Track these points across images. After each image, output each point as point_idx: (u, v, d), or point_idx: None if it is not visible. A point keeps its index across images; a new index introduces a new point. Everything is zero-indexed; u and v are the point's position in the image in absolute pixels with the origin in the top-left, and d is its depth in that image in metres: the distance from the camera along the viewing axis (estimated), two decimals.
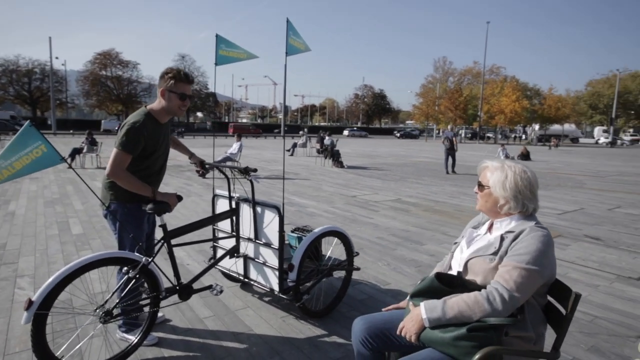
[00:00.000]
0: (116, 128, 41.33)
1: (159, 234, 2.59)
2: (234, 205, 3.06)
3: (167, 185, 9.45)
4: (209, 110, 74.97)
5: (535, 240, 1.52)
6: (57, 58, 56.70)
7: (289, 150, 21.13)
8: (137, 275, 2.33)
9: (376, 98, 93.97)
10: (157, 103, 2.59)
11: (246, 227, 3.04)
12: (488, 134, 63.09)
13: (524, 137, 57.82)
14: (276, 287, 2.86)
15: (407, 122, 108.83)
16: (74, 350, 2.51)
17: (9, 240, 4.83)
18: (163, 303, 2.56)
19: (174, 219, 6.09)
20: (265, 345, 2.65)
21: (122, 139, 2.40)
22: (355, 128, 72.45)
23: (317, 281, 3.00)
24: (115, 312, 2.29)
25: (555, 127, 60.05)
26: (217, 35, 3.44)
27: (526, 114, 51.15)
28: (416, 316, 1.53)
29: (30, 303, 2.00)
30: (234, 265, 3.19)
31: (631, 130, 68.08)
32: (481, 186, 1.75)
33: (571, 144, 53.36)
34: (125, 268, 2.37)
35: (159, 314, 2.96)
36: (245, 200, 3.02)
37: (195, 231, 2.70)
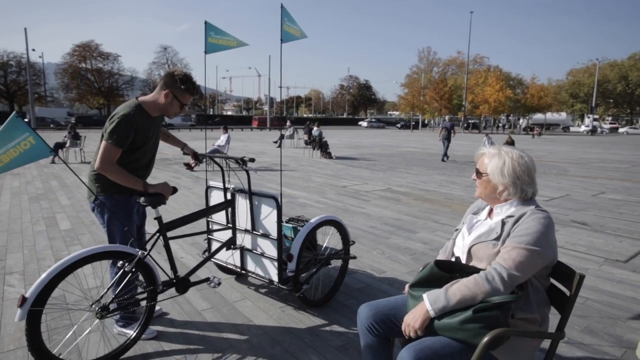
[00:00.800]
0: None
1: (149, 225, 2.55)
2: (229, 197, 3.03)
3: (155, 179, 9.30)
4: (193, 103, 73.86)
5: (535, 222, 1.53)
6: (33, 50, 54.80)
7: (276, 142, 21.00)
8: (133, 269, 2.29)
9: (362, 89, 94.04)
10: (151, 97, 2.52)
11: (242, 219, 3.01)
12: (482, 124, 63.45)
13: (510, 126, 58.45)
14: (275, 278, 2.84)
15: (391, 112, 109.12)
16: (71, 347, 2.47)
17: None
18: (160, 297, 2.53)
19: (164, 212, 6.00)
20: (265, 336, 2.65)
21: (112, 132, 2.33)
22: (373, 120, 72.68)
23: (316, 271, 3.00)
24: (112, 307, 2.25)
25: (547, 116, 61.01)
26: (206, 23, 3.36)
27: (510, 103, 51.80)
28: (420, 310, 1.53)
29: (23, 300, 1.95)
30: (230, 257, 3.16)
31: (609, 118, 69.67)
32: (479, 173, 1.75)
33: (558, 133, 54.23)
34: (121, 262, 2.32)
35: (156, 308, 2.93)
36: (241, 191, 2.99)
37: (190, 223, 2.66)
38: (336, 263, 3.49)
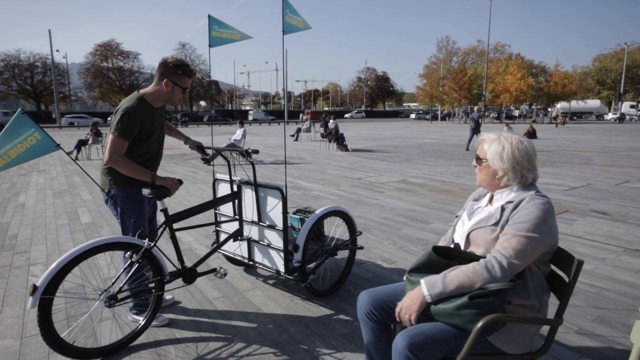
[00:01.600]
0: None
1: (160, 217, 2.62)
2: (235, 189, 3.08)
3: (174, 173, 9.49)
4: (211, 99, 74.77)
5: (535, 208, 1.51)
6: (57, 51, 56.47)
7: (293, 136, 21.08)
8: (140, 260, 2.36)
9: (379, 81, 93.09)
10: (152, 88, 2.58)
11: (249, 210, 3.06)
12: (514, 114, 61.54)
13: (540, 115, 55.98)
14: (282, 269, 2.89)
15: (409, 104, 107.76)
16: (86, 333, 2.58)
17: (20, 231, 4.91)
18: (169, 286, 2.60)
19: (180, 205, 6.14)
20: (273, 324, 2.70)
21: (117, 125, 2.40)
22: (420, 111, 72.54)
23: (321, 261, 3.03)
24: (120, 296, 2.32)
25: (579, 104, 58.45)
26: (209, 17, 3.39)
27: (532, 92, 50.34)
28: (417, 294, 1.54)
29: (35, 288, 2.04)
30: (237, 248, 3.22)
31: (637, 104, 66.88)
32: (479, 159, 1.74)
33: (586, 122, 52.31)
34: (129, 253, 2.40)
35: (169, 297, 3.02)
36: (247, 183, 3.03)
37: (197, 215, 2.72)
38: (344, 253, 3.51)
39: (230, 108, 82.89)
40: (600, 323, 2.69)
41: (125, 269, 2.42)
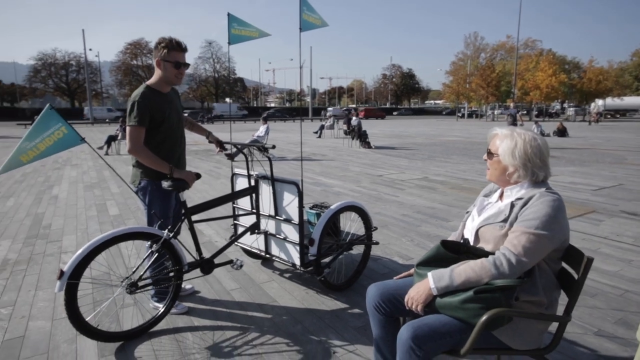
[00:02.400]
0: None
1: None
2: (252, 183, 3.15)
3: (198, 168, 9.73)
4: (237, 96, 75.77)
5: (544, 205, 1.50)
6: (90, 50, 58.51)
7: (316, 132, 21.14)
8: (160, 250, 2.46)
9: (405, 78, 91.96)
10: (154, 76, 2.67)
11: (266, 204, 3.13)
12: (555, 111, 59.08)
13: (573, 113, 53.52)
14: (297, 262, 2.94)
15: (435, 101, 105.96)
16: (110, 317, 2.71)
17: (53, 221, 5.17)
18: (188, 276, 2.70)
19: (202, 199, 6.30)
20: (288, 315, 2.76)
21: (130, 114, 2.52)
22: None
23: (336, 255, 3.07)
24: (141, 283, 2.43)
25: (624, 101, 55.34)
26: (228, 14, 3.46)
27: (564, 89, 48.58)
28: (423, 286, 1.56)
29: (62, 273, 2.18)
30: (255, 242, 3.29)
31: None
32: (490, 154, 1.73)
33: (624, 119, 49.92)
34: (149, 243, 2.50)
35: (189, 286, 3.12)
36: (264, 177, 3.10)
37: (217, 208, 2.80)
38: (360, 248, 3.53)
39: (255, 105, 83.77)
40: (622, 325, 2.62)
41: (145, 258, 2.53)
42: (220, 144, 3.14)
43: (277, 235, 3.07)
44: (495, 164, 1.69)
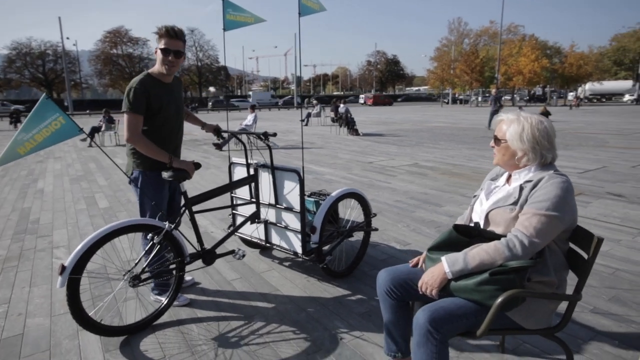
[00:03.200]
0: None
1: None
2: (252, 172, 3.12)
3: (186, 159, 9.59)
4: (220, 84, 74.59)
5: (554, 187, 1.52)
6: (68, 38, 56.69)
7: (303, 120, 21.02)
8: (162, 241, 2.42)
9: (389, 64, 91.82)
10: (155, 64, 2.63)
11: (266, 193, 3.11)
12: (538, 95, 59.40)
13: (553, 98, 54.17)
14: (299, 250, 2.94)
15: (420, 88, 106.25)
16: (112, 312, 2.68)
17: (41, 216, 5.05)
18: (189, 267, 2.67)
19: (194, 190, 6.23)
20: (291, 304, 2.77)
21: (126, 101, 2.47)
22: (487, 95, 71.64)
23: (338, 242, 3.08)
24: (143, 276, 2.39)
25: (609, 85, 55.92)
26: (223, 0, 3.38)
27: (546, 74, 49.23)
28: (438, 271, 1.57)
29: (63, 268, 2.13)
30: (255, 231, 3.27)
31: None
32: (498, 140, 1.74)
33: (604, 104, 50.83)
34: (150, 235, 2.47)
35: (189, 278, 3.10)
36: (264, 166, 3.07)
37: (215, 198, 2.77)
38: (359, 235, 3.55)
39: (239, 93, 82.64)
40: (615, 302, 2.71)
41: (147, 250, 2.49)
42: (218, 132, 3.09)
43: (278, 224, 3.06)
44: (504, 149, 1.70)
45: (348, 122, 15.48)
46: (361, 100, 59.99)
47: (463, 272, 1.52)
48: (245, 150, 3.18)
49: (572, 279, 1.66)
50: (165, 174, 2.44)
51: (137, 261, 2.44)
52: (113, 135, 13.97)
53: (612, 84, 57.16)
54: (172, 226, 2.48)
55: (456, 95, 64.04)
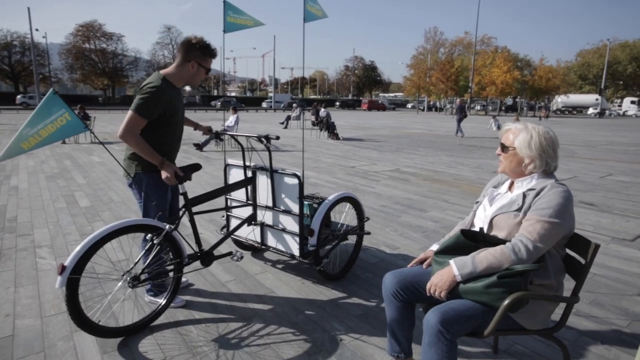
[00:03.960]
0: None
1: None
2: (249, 174, 3.13)
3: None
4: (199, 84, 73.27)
5: (556, 195, 1.63)
6: (37, 30, 54.52)
7: (282, 123, 21.01)
8: (162, 242, 2.41)
9: (367, 70, 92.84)
10: (174, 69, 2.59)
11: (263, 195, 3.12)
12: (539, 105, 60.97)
13: (524, 109, 56.24)
14: (297, 252, 2.97)
15: (395, 94, 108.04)
16: (109, 314, 2.63)
17: (18, 214, 4.87)
18: (186, 269, 2.66)
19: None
20: (288, 305, 2.80)
21: (139, 103, 2.41)
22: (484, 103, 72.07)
23: (334, 245, 3.13)
24: (142, 277, 2.38)
25: (578, 98, 58.37)
26: (224, 2, 3.39)
27: (517, 85, 51.11)
28: (447, 274, 1.64)
29: (63, 268, 2.09)
30: (251, 233, 3.28)
31: (618, 100, 68.33)
32: (505, 148, 1.84)
33: (568, 116, 53.10)
34: (150, 235, 2.45)
35: (183, 279, 3.07)
36: (262, 168, 3.09)
37: (213, 200, 2.76)
38: (351, 239, 3.61)
39: (216, 94, 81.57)
40: (595, 306, 2.87)
41: (146, 251, 2.47)
42: (212, 131, 3.08)
43: (275, 227, 3.08)
44: (511, 156, 1.80)
45: (328, 126, 15.59)
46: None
47: (472, 275, 1.60)
48: (243, 152, 3.20)
49: (567, 282, 1.77)
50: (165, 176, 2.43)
51: (136, 261, 2.41)
52: (88, 133, 13.53)
53: (581, 97, 59.90)
54: (173, 227, 2.47)
55: (431, 103, 65.49)
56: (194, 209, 2.66)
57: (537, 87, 52.57)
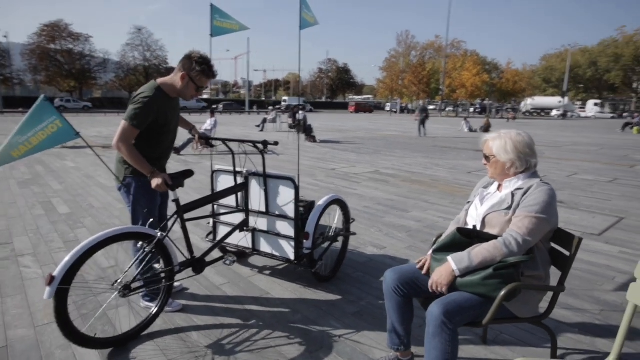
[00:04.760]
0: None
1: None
2: (240, 180, 3.12)
3: None
4: None
5: (542, 193, 1.79)
6: None
7: (258, 126, 20.94)
8: (153, 250, 2.40)
9: (340, 72, 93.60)
10: (170, 79, 2.59)
11: (255, 201, 3.13)
12: (511, 108, 62.52)
13: (492, 111, 58.17)
14: (292, 256, 3.00)
15: (369, 96, 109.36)
16: (104, 323, 2.62)
17: None
18: (178, 276, 2.64)
19: None
20: (284, 306, 2.86)
21: (132, 113, 2.41)
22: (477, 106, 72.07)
23: (327, 247, 3.20)
24: (134, 285, 2.34)
25: (547, 100, 60.53)
26: (211, 5, 3.41)
27: (486, 88, 52.87)
28: (446, 270, 1.77)
29: (52, 278, 2.03)
30: (243, 239, 3.24)
31: (579, 102, 71.72)
32: (487, 157, 1.99)
33: (535, 118, 55.21)
34: (140, 243, 2.44)
35: (177, 284, 3.07)
36: (255, 174, 3.10)
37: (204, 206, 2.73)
38: (339, 240, 3.70)
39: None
40: (571, 296, 3.08)
41: (137, 259, 2.44)
42: (204, 138, 3.05)
43: (268, 232, 3.10)
44: (494, 163, 1.95)
45: (306, 129, 15.68)
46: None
47: (468, 269, 1.73)
48: (233, 157, 3.20)
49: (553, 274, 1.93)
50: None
51: (127, 269, 2.38)
52: None
53: (547, 99, 62.32)
54: (164, 234, 2.46)
55: (403, 105, 66.71)
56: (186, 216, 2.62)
57: (505, 90, 54.52)
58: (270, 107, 25.17)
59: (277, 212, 3.05)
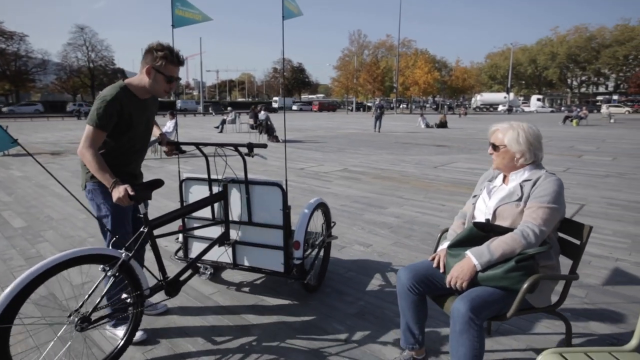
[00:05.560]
0: None
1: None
2: (217, 189, 2.84)
3: None
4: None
5: (551, 184, 1.82)
6: None
7: (217, 127, 20.42)
8: (117, 274, 2.06)
9: (295, 72, 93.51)
10: (137, 78, 2.37)
11: (236, 210, 2.84)
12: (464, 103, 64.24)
13: (444, 107, 60.48)
14: (280, 268, 2.75)
15: (323, 95, 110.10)
16: None
17: None
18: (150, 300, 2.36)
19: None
20: (283, 311, 2.76)
21: (93, 114, 2.20)
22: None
23: (316, 255, 3.02)
24: (94, 316, 1.97)
25: (494, 96, 63.42)
26: None
27: (437, 85, 54.86)
28: (466, 265, 1.76)
29: None
30: (223, 254, 2.90)
31: (522, 98, 76.10)
32: (496, 147, 2.00)
33: (486, 113, 57.84)
34: (101, 267, 2.08)
35: (161, 304, 2.77)
36: (235, 181, 2.84)
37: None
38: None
39: None
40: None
41: (97, 285, 2.05)
42: (177, 146, 2.78)
43: (252, 243, 2.85)
44: (503, 153, 1.96)
45: (268, 129, 15.47)
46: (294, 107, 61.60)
47: (489, 263, 1.72)
48: (207, 163, 2.90)
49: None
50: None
51: (86, 297, 1.96)
52: None
53: (494, 95, 65.55)
54: (130, 255, 2.10)
55: (359, 102, 67.76)
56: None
57: (455, 87, 56.78)
58: (229, 108, 24.60)
59: (262, 222, 2.80)
